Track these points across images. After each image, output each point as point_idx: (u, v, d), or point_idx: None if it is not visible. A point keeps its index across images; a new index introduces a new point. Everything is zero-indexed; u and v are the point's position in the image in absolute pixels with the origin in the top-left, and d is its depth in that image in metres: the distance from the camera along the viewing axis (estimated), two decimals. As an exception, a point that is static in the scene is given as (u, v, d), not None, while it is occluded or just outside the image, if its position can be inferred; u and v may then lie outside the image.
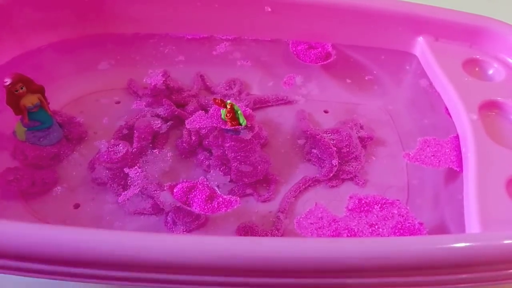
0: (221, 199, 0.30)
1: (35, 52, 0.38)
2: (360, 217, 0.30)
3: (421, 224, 0.29)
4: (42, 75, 0.37)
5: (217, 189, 0.31)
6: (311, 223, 0.29)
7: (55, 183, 0.34)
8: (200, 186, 0.30)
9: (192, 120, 0.33)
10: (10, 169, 0.33)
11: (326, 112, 0.40)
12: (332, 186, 0.35)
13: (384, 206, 0.30)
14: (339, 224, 0.29)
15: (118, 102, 0.40)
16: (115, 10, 0.39)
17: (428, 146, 0.33)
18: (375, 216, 0.30)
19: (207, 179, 0.32)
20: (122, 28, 0.40)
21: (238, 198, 0.30)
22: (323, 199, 0.34)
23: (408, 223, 0.29)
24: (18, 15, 0.36)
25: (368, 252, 0.22)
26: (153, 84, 0.37)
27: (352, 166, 0.36)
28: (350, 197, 0.31)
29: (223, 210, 0.29)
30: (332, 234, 0.28)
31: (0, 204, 0.32)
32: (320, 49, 0.39)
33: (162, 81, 0.38)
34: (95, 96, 0.39)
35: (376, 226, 0.29)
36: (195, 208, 0.29)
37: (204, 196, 0.30)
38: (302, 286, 0.23)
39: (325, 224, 0.29)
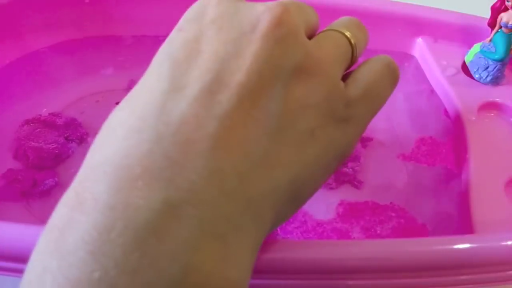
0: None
1: (36, 54, 0.38)
2: (352, 222, 0.30)
3: (423, 225, 0.29)
4: (43, 77, 0.37)
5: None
6: (295, 228, 0.29)
7: (56, 184, 0.34)
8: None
9: None
10: (11, 170, 0.33)
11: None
12: (331, 188, 0.35)
13: (377, 210, 0.30)
14: (325, 227, 0.29)
15: (119, 103, 0.40)
16: (115, 12, 0.39)
17: (424, 145, 0.33)
18: (368, 218, 0.30)
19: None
20: (123, 29, 0.40)
21: None
22: (322, 200, 0.34)
23: (408, 225, 0.29)
24: (19, 17, 0.36)
25: (367, 253, 0.22)
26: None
27: (350, 167, 0.36)
28: (339, 204, 0.31)
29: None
30: (318, 237, 0.28)
31: (1, 205, 0.32)
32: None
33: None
34: (96, 98, 0.40)
35: (373, 230, 0.29)
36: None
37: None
38: (301, 286, 0.23)
39: (309, 228, 0.29)
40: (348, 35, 0.21)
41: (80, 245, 0.12)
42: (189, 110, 0.15)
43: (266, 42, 0.16)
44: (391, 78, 0.22)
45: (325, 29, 0.20)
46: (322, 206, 0.33)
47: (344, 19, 0.22)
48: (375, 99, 0.21)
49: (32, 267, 0.13)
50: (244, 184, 0.15)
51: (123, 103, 0.16)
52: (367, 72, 0.20)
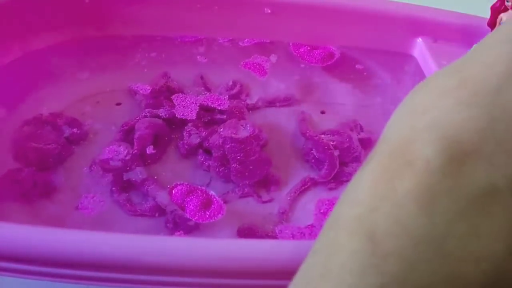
0: (216, 205, 0.30)
1: (35, 54, 0.38)
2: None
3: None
4: (43, 77, 0.37)
5: (215, 195, 0.32)
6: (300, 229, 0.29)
7: (56, 185, 0.34)
8: (199, 192, 0.31)
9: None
10: (12, 171, 0.33)
11: (323, 113, 0.40)
12: (332, 189, 0.35)
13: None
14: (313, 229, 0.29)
15: (119, 104, 0.40)
16: (115, 12, 0.39)
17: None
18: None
19: (207, 184, 0.33)
20: (122, 30, 0.40)
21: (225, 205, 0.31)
22: (323, 201, 0.34)
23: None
24: (19, 17, 0.36)
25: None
26: (153, 85, 0.37)
27: (352, 168, 0.36)
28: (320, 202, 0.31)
29: (214, 218, 0.30)
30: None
31: (1, 205, 0.32)
32: (322, 49, 0.39)
33: (163, 83, 0.38)
34: (96, 98, 0.40)
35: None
36: (188, 213, 0.30)
37: (199, 202, 0.30)
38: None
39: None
40: None
41: None
42: None
43: None
44: None
45: None
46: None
47: None
48: None
49: None
50: None
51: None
52: None
